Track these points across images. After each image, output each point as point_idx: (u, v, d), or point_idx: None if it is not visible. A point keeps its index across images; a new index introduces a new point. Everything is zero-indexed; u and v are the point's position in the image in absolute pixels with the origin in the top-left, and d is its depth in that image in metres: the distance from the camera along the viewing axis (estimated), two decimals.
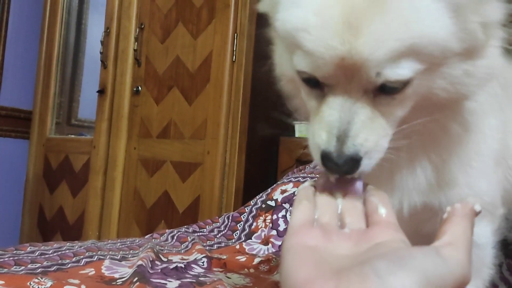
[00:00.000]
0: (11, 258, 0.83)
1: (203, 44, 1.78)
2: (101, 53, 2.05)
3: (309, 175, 1.30)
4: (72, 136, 2.38)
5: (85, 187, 2.13)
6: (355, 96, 0.40)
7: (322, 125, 0.41)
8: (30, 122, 2.38)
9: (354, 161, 0.40)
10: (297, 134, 1.71)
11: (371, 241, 0.37)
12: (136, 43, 1.97)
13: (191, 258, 0.98)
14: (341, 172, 0.41)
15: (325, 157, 0.41)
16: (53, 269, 0.80)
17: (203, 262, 0.94)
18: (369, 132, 0.41)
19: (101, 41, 2.06)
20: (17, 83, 2.45)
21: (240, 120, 1.69)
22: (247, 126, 1.71)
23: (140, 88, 1.96)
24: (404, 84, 0.40)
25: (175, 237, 1.19)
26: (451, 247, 0.35)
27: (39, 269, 0.79)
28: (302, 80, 0.43)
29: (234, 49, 1.70)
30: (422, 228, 0.55)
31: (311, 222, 0.40)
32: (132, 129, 1.98)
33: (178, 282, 0.80)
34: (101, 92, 2.05)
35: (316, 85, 0.42)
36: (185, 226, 1.31)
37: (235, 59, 1.70)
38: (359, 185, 0.43)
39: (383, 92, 0.41)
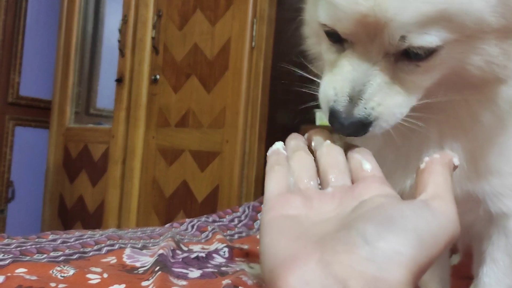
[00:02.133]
0: (33, 246, 0.83)
1: (221, 31, 1.75)
2: (119, 41, 2.04)
3: None
4: (91, 125, 2.39)
5: (104, 177, 2.13)
6: (375, 58, 0.37)
7: (336, 79, 0.39)
8: (49, 112, 2.40)
9: (362, 125, 0.38)
10: (318, 122, 1.68)
11: (356, 199, 0.34)
12: (154, 31, 1.95)
13: (212, 247, 0.96)
14: (346, 133, 0.39)
15: (333, 115, 0.38)
16: (75, 257, 0.79)
17: (224, 252, 0.92)
18: (384, 97, 0.38)
19: (119, 30, 2.05)
20: (37, 73, 2.47)
21: (259, 108, 1.67)
22: (267, 114, 1.69)
23: (158, 77, 1.94)
24: (431, 52, 0.37)
25: (195, 227, 1.18)
26: (439, 200, 0.33)
27: (61, 257, 0.78)
28: (325, 33, 0.40)
29: (253, 34, 1.66)
30: (461, 219, 0.52)
31: (287, 189, 0.37)
32: (150, 118, 1.97)
33: (200, 271, 0.78)
34: (119, 81, 2.05)
35: (337, 40, 0.40)
36: (205, 216, 1.30)
37: (254, 45, 1.67)
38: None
39: (407, 57, 0.37)
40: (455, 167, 0.37)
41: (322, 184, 0.38)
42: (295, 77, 0.53)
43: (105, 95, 2.42)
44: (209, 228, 1.15)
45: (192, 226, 1.18)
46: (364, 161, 0.38)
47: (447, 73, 0.39)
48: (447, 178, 0.35)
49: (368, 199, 0.34)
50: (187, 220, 1.23)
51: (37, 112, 2.47)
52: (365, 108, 0.38)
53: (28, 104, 2.44)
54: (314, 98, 0.51)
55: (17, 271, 0.68)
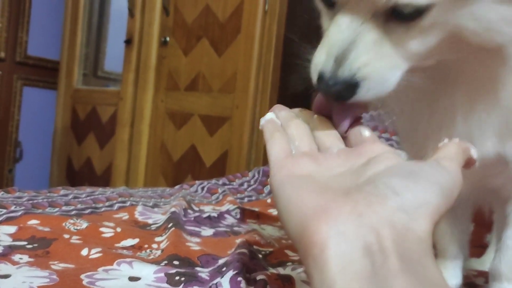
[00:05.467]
0: (45, 200, 0.82)
1: None
2: (128, 1, 1.99)
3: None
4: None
5: (112, 139, 2.13)
6: (363, 17, 0.36)
7: (324, 44, 0.38)
8: (57, 72, 2.37)
9: (349, 86, 0.36)
10: None
11: (363, 156, 0.35)
12: None
13: (223, 208, 0.95)
14: (332, 96, 0.37)
15: (319, 78, 0.37)
16: (87, 211, 0.79)
17: (235, 213, 0.92)
18: (372, 57, 0.36)
19: None
20: (44, 32, 2.43)
21: (271, 74, 1.63)
22: (279, 80, 1.65)
23: (168, 39, 1.90)
24: (420, 12, 0.35)
25: (205, 188, 1.18)
26: (447, 160, 0.34)
27: (74, 211, 0.78)
28: None
29: None
30: (490, 182, 0.50)
31: (291, 154, 0.37)
32: (159, 81, 1.94)
33: (213, 230, 0.78)
34: (128, 42, 2.01)
35: (331, 4, 0.39)
36: (215, 179, 1.29)
37: (267, 8, 1.62)
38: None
39: (396, 17, 0.36)
40: (472, 161, 0.37)
41: (321, 150, 0.39)
42: (309, 43, 0.50)
43: (114, 57, 2.38)
44: (220, 190, 1.15)
45: (202, 188, 1.18)
46: (362, 128, 0.39)
47: (445, 36, 0.37)
48: (458, 152, 0.36)
49: (377, 155, 0.34)
50: (197, 182, 1.22)
51: (45, 73, 2.44)
52: (350, 69, 0.36)
53: (36, 64, 2.42)
54: None
55: (29, 222, 0.67)
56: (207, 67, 1.78)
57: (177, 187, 1.21)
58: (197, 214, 0.86)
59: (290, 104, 0.43)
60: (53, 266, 0.51)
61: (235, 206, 0.95)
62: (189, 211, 0.87)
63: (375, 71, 0.37)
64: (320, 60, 0.38)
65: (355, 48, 0.36)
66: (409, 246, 0.27)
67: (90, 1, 2.35)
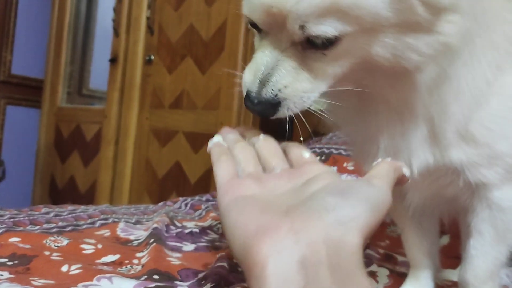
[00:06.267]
0: (26, 218, 0.82)
1: (218, 12, 1.73)
2: (113, 20, 2.02)
3: (325, 145, 1.27)
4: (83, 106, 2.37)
5: (96, 157, 2.12)
6: (284, 45, 0.41)
7: (251, 67, 0.43)
8: (41, 91, 2.36)
9: (271, 105, 0.42)
10: (312, 106, 1.68)
11: (303, 176, 0.39)
12: (149, 11, 1.92)
13: (206, 224, 0.96)
14: (257, 112, 0.43)
15: (246, 96, 0.43)
16: (68, 229, 0.79)
17: (218, 228, 0.93)
18: (291, 81, 0.42)
19: (113, 8, 2.02)
20: (29, 51, 2.43)
21: None
22: None
23: (152, 57, 1.92)
24: (331, 42, 0.40)
25: (188, 205, 1.18)
26: (377, 178, 0.38)
27: (55, 229, 0.78)
28: (249, 24, 0.45)
29: None
30: (445, 192, 0.53)
31: (236, 175, 0.40)
32: (144, 99, 1.95)
33: (194, 245, 0.78)
34: (113, 60, 2.02)
35: (259, 30, 0.44)
36: (199, 195, 1.30)
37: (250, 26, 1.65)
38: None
39: (313, 46, 0.41)
40: (405, 178, 0.41)
41: (266, 170, 0.42)
42: None
43: (98, 75, 2.39)
44: (203, 207, 1.16)
45: (186, 205, 1.18)
46: (303, 151, 0.44)
47: (359, 62, 0.42)
48: (389, 171, 0.39)
49: (316, 175, 0.38)
50: (181, 198, 1.23)
51: (29, 91, 2.44)
52: (273, 90, 0.41)
53: (20, 83, 2.41)
54: None
55: (10, 240, 0.68)
56: (191, 84, 1.80)
57: (160, 204, 1.21)
58: (179, 230, 0.87)
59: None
60: (33, 282, 0.52)
61: (218, 222, 0.96)
62: (172, 227, 0.88)
63: (294, 92, 0.42)
64: (248, 80, 0.43)
65: (276, 72, 0.42)
66: (341, 258, 0.30)
67: (75, 20, 2.37)
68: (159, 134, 1.90)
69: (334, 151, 1.21)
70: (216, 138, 0.46)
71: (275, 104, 0.42)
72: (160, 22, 1.91)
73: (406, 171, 0.41)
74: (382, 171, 0.39)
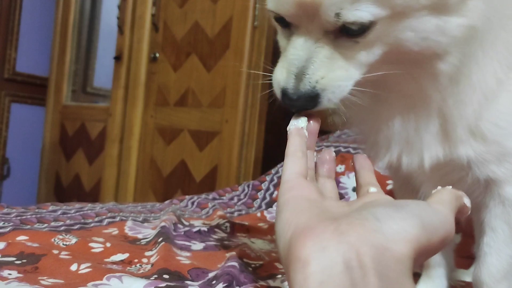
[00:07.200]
0: (33, 216, 0.82)
1: (223, 9, 1.72)
2: (118, 18, 2.01)
3: (333, 144, 1.26)
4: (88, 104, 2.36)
5: (101, 155, 2.12)
6: (316, 36, 0.41)
7: (284, 63, 0.43)
8: (46, 89, 2.36)
9: (310, 98, 0.41)
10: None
11: (362, 201, 0.39)
12: (154, 8, 1.91)
13: (213, 223, 0.96)
14: (297, 107, 0.42)
15: (283, 94, 0.42)
16: (76, 227, 0.79)
17: (226, 227, 0.92)
18: (327, 71, 0.41)
19: (118, 6, 2.01)
20: (33, 49, 2.43)
21: (260, 88, 1.65)
22: (268, 94, 1.67)
23: (157, 55, 1.91)
24: (365, 28, 0.40)
25: (195, 203, 1.18)
26: (440, 204, 0.37)
27: (62, 227, 0.78)
28: (275, 20, 0.44)
29: (256, 13, 1.64)
30: (455, 187, 0.52)
31: (304, 175, 0.40)
32: (149, 97, 1.95)
33: (203, 244, 0.78)
34: (118, 58, 2.01)
35: (286, 25, 0.43)
36: (205, 194, 1.30)
37: (256, 24, 1.64)
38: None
39: (345, 34, 0.41)
40: (466, 209, 0.40)
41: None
42: None
43: (103, 73, 2.39)
44: (210, 205, 1.15)
45: (192, 203, 1.18)
46: (371, 187, 0.42)
47: (389, 49, 0.42)
48: (452, 199, 0.39)
49: (374, 200, 0.38)
50: (187, 197, 1.22)
51: (33, 89, 2.43)
52: (310, 82, 0.41)
53: (24, 81, 2.41)
54: None
55: (18, 238, 0.67)
56: (197, 82, 1.80)
57: (167, 202, 1.21)
58: (187, 228, 0.86)
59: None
60: (42, 282, 0.51)
61: (225, 220, 0.95)
62: (179, 225, 0.87)
63: (331, 82, 0.42)
64: (282, 78, 0.42)
65: (312, 64, 0.41)
66: (386, 265, 0.29)
67: (79, 18, 2.36)
68: (164, 132, 1.89)
69: (342, 149, 1.21)
70: (301, 123, 0.43)
71: (314, 96, 0.41)
72: (165, 20, 1.90)
73: (467, 202, 0.41)
74: (444, 198, 0.38)
